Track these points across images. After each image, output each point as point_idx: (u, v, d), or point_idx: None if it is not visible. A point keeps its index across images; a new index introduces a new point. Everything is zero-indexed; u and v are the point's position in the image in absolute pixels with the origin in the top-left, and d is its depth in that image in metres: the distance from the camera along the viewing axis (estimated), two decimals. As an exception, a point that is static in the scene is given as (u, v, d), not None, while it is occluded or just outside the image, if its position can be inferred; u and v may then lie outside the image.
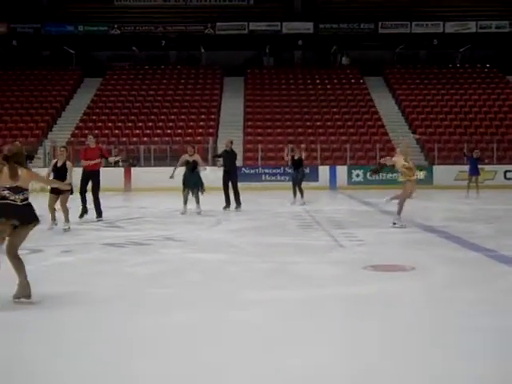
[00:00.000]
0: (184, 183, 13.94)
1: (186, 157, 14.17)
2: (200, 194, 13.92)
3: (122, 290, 6.24)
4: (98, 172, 13.08)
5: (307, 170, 20.21)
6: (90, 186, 12.96)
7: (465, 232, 10.65)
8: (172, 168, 14.52)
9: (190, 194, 13.91)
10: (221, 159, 16.09)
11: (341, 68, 36.28)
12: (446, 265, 7.58)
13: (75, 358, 4.23)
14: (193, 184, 13.84)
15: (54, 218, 11.18)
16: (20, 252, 8.58)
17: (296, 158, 17.10)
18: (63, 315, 5.30)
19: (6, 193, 5.50)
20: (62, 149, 11.81)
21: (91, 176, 12.90)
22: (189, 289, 6.29)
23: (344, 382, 3.83)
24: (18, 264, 5.62)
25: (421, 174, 11.46)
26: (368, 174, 23.60)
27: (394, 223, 11.11)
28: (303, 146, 19.36)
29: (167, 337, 4.66)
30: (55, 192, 10.93)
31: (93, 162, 12.90)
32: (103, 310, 5.44)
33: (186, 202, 13.94)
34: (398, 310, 5.44)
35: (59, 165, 11.19)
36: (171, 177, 14.12)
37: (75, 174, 11.43)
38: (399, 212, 11.18)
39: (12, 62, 35.83)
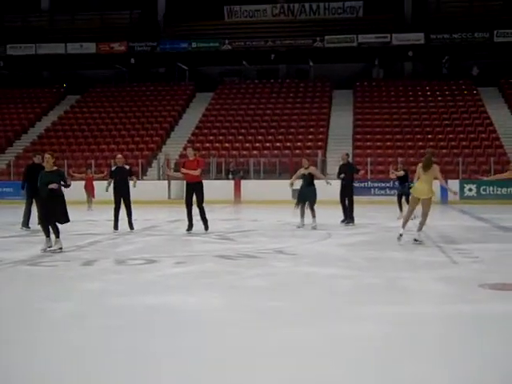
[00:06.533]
0: (298, 196, 13.98)
1: (301, 170, 14.06)
2: (311, 207, 13.72)
3: (231, 303, 6.37)
4: (201, 184, 12.81)
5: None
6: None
7: None
8: (282, 180, 14.73)
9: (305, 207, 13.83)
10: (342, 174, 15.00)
11: (453, 79, 35.32)
12: None
13: (188, 361, 4.38)
14: (304, 198, 13.77)
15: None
16: (136, 262, 9.02)
17: (400, 172, 16.82)
18: (172, 323, 5.49)
19: None
20: None
21: (195, 188, 12.70)
22: (299, 302, 6.33)
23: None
24: None
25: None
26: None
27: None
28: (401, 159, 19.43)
29: (278, 350, 4.72)
30: None
31: (191, 172, 12.67)
32: (214, 321, 5.57)
33: (302, 215, 13.87)
34: (517, 331, 5.24)
35: None
36: (291, 185, 14.16)
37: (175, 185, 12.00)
38: (420, 228, 10.89)
39: (130, 78, 37.64)
